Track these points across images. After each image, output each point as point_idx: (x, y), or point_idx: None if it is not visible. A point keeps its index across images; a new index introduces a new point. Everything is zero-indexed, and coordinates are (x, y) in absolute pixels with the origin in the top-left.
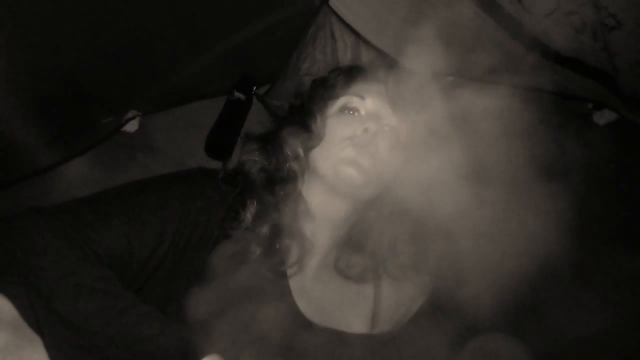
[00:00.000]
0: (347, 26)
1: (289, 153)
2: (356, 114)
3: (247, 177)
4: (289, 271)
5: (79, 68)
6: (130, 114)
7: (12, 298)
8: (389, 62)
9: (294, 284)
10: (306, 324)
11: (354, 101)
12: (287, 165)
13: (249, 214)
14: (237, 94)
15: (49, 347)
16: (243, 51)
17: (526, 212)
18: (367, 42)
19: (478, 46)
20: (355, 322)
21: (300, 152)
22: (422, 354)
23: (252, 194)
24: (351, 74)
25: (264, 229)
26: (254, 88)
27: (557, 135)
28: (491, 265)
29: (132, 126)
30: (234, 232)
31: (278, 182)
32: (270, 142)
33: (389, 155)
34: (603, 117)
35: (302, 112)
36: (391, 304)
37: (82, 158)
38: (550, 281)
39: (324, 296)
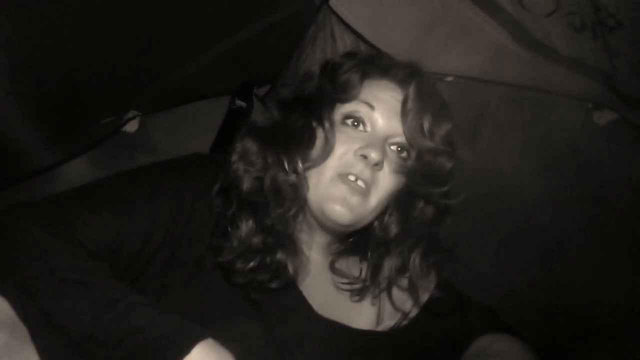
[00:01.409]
0: (347, 26)
1: (288, 167)
2: (360, 126)
3: (240, 189)
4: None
5: (79, 68)
6: (130, 114)
7: (10, 298)
8: (411, 66)
9: (299, 278)
10: (314, 315)
11: (362, 110)
12: (289, 179)
13: (240, 231)
14: (239, 102)
15: (39, 350)
16: (243, 51)
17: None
18: (367, 42)
19: (477, 46)
20: (359, 318)
21: (300, 168)
22: (428, 350)
23: (245, 211)
24: (366, 70)
25: (256, 242)
26: (254, 89)
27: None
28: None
29: (132, 126)
30: (224, 249)
31: (274, 198)
32: (270, 143)
33: (388, 183)
34: (603, 117)
35: (308, 111)
36: (395, 299)
37: (82, 158)
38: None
39: (326, 292)
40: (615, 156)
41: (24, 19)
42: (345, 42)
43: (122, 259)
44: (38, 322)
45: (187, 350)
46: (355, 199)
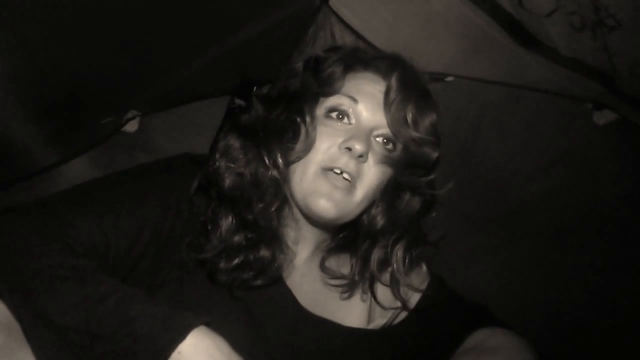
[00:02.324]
0: (347, 26)
1: (268, 162)
2: (345, 119)
3: (221, 186)
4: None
5: (79, 68)
6: (130, 114)
7: (4, 299)
8: (393, 58)
9: (286, 275)
10: (302, 312)
11: (345, 103)
12: (269, 173)
13: (220, 229)
14: (238, 101)
15: (34, 350)
16: (243, 51)
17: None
18: (367, 42)
19: (478, 46)
20: (350, 316)
21: (280, 162)
22: (421, 348)
23: (225, 207)
24: (349, 63)
25: (237, 240)
26: (254, 89)
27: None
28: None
29: (132, 126)
30: (205, 247)
31: (255, 192)
32: (252, 139)
33: (373, 175)
34: (603, 117)
35: (292, 106)
36: (387, 296)
37: (82, 158)
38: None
39: (316, 290)
40: (615, 156)
41: (23, 19)
42: (345, 42)
43: (109, 260)
44: (32, 322)
45: (181, 337)
46: (340, 194)
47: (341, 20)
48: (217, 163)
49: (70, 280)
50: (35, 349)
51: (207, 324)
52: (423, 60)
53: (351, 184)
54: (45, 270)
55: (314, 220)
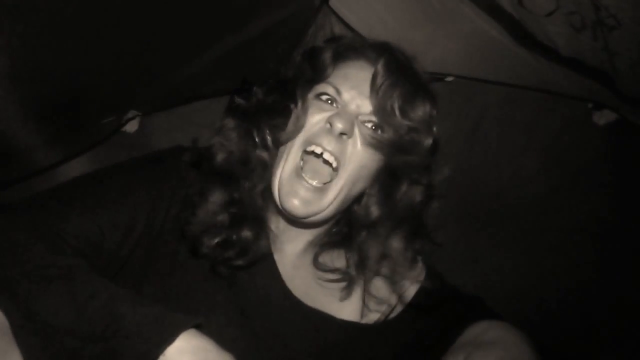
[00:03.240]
0: (347, 26)
1: (258, 141)
2: (334, 104)
3: (211, 162)
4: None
5: (79, 68)
6: (130, 114)
7: None
8: (381, 45)
9: (279, 266)
10: (295, 302)
11: (330, 91)
12: (258, 153)
13: (208, 204)
14: (238, 100)
15: (22, 352)
16: (243, 51)
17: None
18: None
19: (478, 46)
20: (344, 309)
21: (270, 142)
22: (416, 342)
23: (214, 182)
24: (341, 51)
25: (222, 218)
26: (254, 89)
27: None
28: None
29: (132, 126)
30: (192, 222)
31: (243, 171)
32: (247, 120)
33: (358, 157)
34: (603, 117)
35: (287, 91)
36: (383, 290)
37: (82, 158)
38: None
39: (308, 283)
40: (614, 156)
41: (23, 19)
42: None
43: (104, 252)
44: (20, 324)
45: (170, 339)
46: (311, 193)
47: (341, 20)
48: (212, 140)
49: (60, 280)
50: (24, 352)
51: (198, 326)
52: (424, 60)
53: (332, 170)
54: (34, 270)
55: (287, 216)
